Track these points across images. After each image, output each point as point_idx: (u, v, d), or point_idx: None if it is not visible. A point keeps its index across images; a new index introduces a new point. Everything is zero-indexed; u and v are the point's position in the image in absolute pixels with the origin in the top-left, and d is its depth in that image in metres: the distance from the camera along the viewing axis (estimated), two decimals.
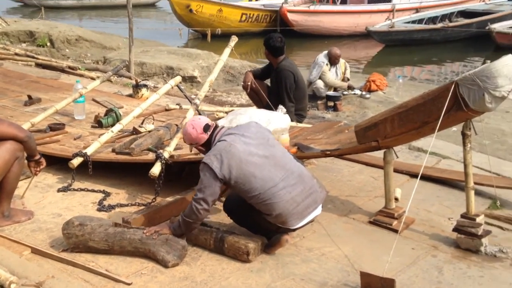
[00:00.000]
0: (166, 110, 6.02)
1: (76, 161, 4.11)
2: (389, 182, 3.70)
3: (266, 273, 3.11)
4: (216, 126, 3.37)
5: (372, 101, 8.29)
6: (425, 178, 4.34)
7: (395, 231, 3.48)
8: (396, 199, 3.92)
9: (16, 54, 9.76)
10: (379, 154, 3.98)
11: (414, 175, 4.44)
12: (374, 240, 3.55)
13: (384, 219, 3.71)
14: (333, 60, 8.35)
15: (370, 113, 7.19)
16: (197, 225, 3.24)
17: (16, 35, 12.71)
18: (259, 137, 3.24)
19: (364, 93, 8.57)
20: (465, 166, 3.47)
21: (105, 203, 3.92)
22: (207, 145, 3.30)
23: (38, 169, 3.62)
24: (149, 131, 4.77)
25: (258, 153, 3.15)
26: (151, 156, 4.22)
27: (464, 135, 3.42)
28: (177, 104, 6.21)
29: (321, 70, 8.25)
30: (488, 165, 4.46)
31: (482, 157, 5.03)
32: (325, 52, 8.48)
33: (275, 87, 5.72)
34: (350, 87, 8.57)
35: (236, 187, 3.14)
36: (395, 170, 4.00)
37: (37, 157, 3.57)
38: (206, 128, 3.29)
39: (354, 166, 4.85)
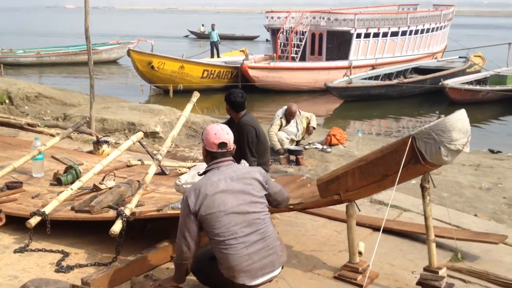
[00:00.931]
0: (128, 166, 5.96)
1: (34, 221, 3.99)
2: (353, 236, 3.72)
3: None
4: (226, 153, 3.25)
5: (333, 155, 8.43)
6: (388, 231, 4.39)
7: (360, 286, 3.47)
8: (360, 253, 3.93)
9: None
10: (342, 207, 4.01)
11: (376, 229, 4.49)
12: None
13: (349, 274, 3.70)
14: (288, 116, 8.52)
15: (332, 167, 7.29)
16: (187, 265, 3.18)
17: None
18: (243, 189, 3.17)
19: (325, 147, 8.72)
20: (426, 219, 3.53)
21: (64, 263, 3.79)
22: (204, 156, 3.31)
23: None
24: (110, 188, 4.69)
25: (233, 204, 3.11)
26: (112, 213, 4.13)
27: (423, 188, 3.50)
28: (138, 160, 6.16)
29: (275, 123, 8.43)
30: (447, 217, 4.55)
31: (441, 209, 5.13)
32: (285, 107, 8.65)
33: (236, 142, 5.71)
34: (309, 131, 8.74)
35: (204, 225, 3.11)
36: (358, 224, 4.03)
37: None
38: (221, 145, 3.22)
39: (318, 220, 4.87)
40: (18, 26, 62.91)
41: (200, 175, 3.30)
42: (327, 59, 20.81)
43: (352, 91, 17.43)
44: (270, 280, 3.23)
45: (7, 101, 12.19)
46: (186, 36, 51.70)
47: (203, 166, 4.44)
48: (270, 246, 3.17)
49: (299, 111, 8.66)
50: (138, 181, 4.69)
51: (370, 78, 18.88)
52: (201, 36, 46.83)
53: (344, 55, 20.57)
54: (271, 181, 3.39)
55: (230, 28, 52.16)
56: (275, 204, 3.44)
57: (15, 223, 4.23)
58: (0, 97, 12.19)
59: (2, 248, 4.02)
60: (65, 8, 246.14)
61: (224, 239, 3.06)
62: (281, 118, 8.51)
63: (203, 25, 48.94)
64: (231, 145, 3.28)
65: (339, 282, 3.69)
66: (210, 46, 25.39)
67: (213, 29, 25.37)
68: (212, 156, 3.24)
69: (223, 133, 3.24)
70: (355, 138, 9.38)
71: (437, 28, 24.91)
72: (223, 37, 30.64)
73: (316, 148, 8.72)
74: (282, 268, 3.31)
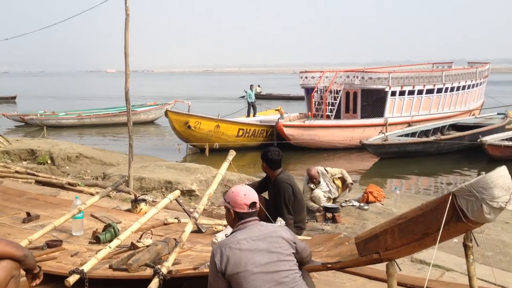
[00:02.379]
0: (165, 224, 6.00)
1: (73, 279, 4.02)
2: None
3: None
4: (254, 213, 3.27)
5: (370, 213, 8.29)
6: None
7: None
8: None
9: (17, 172, 9.89)
10: (382, 266, 3.91)
11: None
12: None
13: None
14: (311, 180, 8.45)
15: (370, 225, 7.17)
16: None
17: (18, 153, 12.98)
18: (270, 247, 3.14)
19: (362, 204, 8.59)
20: (470, 279, 3.41)
21: None
22: (231, 219, 3.27)
23: (35, 282, 3.52)
24: (147, 246, 4.71)
25: (261, 262, 3.08)
26: (149, 271, 4.13)
27: (466, 247, 3.40)
28: (175, 218, 6.20)
29: (305, 190, 8.31)
30: (492, 277, 4.38)
31: (486, 269, 4.94)
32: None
33: (273, 200, 5.75)
34: (349, 188, 8.62)
35: (231, 283, 3.07)
36: (399, 284, 3.91)
37: (36, 270, 3.49)
38: (252, 205, 3.23)
39: (357, 280, 4.75)
40: (61, 90, 65.57)
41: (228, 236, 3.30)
42: (362, 117, 20.85)
43: (388, 148, 17.32)
44: None
45: (49, 161, 12.56)
46: (242, 97, 52.63)
47: None
48: None
49: (325, 169, 8.60)
50: (175, 239, 4.71)
51: (406, 135, 18.75)
52: (257, 96, 47.73)
53: (379, 113, 20.58)
54: (297, 240, 3.36)
55: (268, 88, 52.98)
56: (300, 262, 3.38)
57: (55, 281, 4.26)
58: (42, 157, 12.58)
59: None
60: (106, 72, 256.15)
61: None
62: (308, 183, 8.47)
63: (259, 85, 49.85)
64: (258, 204, 3.31)
65: None
66: (247, 105, 25.98)
67: (251, 89, 26.11)
68: (240, 217, 3.24)
69: (252, 193, 3.28)
70: (392, 195, 9.21)
71: (473, 85, 24.79)
72: (260, 97, 31.24)
73: (353, 205, 8.60)
74: None
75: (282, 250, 3.18)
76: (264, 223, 3.33)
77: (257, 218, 3.28)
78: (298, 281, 3.18)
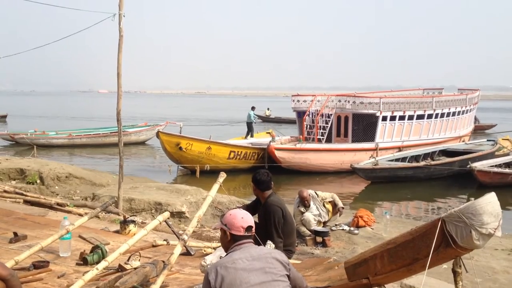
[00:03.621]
0: (153, 246, 5.95)
1: None
2: None
3: None
4: (250, 237, 3.32)
5: (360, 237, 8.28)
6: None
7: None
8: None
9: (5, 191, 9.80)
10: None
11: None
12: None
13: None
14: (303, 202, 8.45)
15: (360, 249, 7.15)
16: None
17: (7, 172, 12.88)
18: (264, 268, 3.16)
19: (352, 228, 8.59)
20: None
21: None
22: (227, 241, 3.30)
23: None
24: (135, 268, 4.66)
25: (255, 281, 3.09)
26: None
27: (455, 273, 3.39)
28: (164, 240, 6.15)
29: (296, 213, 8.30)
30: None
31: None
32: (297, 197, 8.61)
33: (263, 222, 5.73)
34: (340, 212, 8.62)
35: None
36: None
37: None
38: (248, 229, 3.30)
39: None
40: (52, 110, 65.43)
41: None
42: (353, 141, 20.94)
43: (379, 172, 17.36)
44: None
45: (38, 181, 12.47)
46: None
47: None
48: None
49: (316, 193, 8.61)
50: (163, 262, 4.67)
51: (397, 160, 18.82)
52: (265, 119, 47.81)
53: (370, 137, 20.69)
54: (292, 266, 3.36)
55: (259, 110, 53.07)
56: None
57: None
58: (32, 177, 12.49)
59: None
60: (99, 92, 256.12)
61: None
62: (298, 207, 8.47)
63: (268, 108, 49.96)
64: (253, 227, 3.35)
65: None
66: (246, 126, 26.67)
67: (252, 110, 26.73)
68: (235, 239, 3.28)
69: (249, 217, 3.34)
70: (382, 220, 9.22)
71: (463, 111, 25.04)
72: (269, 120, 31.16)
73: (343, 229, 8.60)
74: None
75: (276, 271, 3.19)
76: (257, 246, 3.34)
77: (252, 240, 3.32)
78: None
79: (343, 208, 8.75)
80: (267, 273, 3.15)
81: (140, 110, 63.94)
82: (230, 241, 3.30)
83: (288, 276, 3.26)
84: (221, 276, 3.07)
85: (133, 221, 7.06)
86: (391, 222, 9.31)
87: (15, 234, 6.07)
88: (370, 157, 18.28)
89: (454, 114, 24.06)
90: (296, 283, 3.37)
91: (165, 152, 19.58)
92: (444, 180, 17.91)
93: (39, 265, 5.00)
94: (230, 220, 3.31)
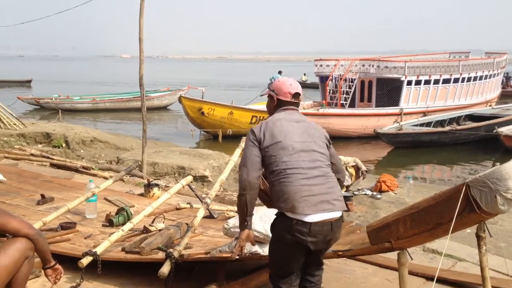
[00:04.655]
0: (177, 209, 6.04)
1: (86, 260, 4.07)
2: (405, 285, 3.59)
3: None
4: (296, 104, 3.38)
5: (383, 202, 8.26)
6: (442, 281, 4.23)
7: None
8: None
9: (32, 154, 10.00)
10: (393, 255, 3.90)
11: (430, 278, 4.33)
12: None
13: None
14: None
15: (382, 214, 7.14)
16: (246, 197, 3.11)
17: (33, 136, 13.09)
18: (308, 132, 3.25)
19: (375, 193, 8.57)
20: (482, 269, 3.39)
21: None
22: (273, 106, 3.38)
23: (58, 277, 3.50)
24: (160, 230, 4.75)
25: (298, 140, 3.17)
26: (161, 255, 4.17)
27: (478, 237, 3.37)
28: (187, 203, 6.23)
29: None
30: (505, 268, 4.35)
31: (498, 259, 4.91)
32: None
33: None
34: (363, 175, 8.61)
35: (266, 157, 3.14)
36: (410, 273, 3.90)
37: (52, 263, 3.47)
38: (295, 95, 3.35)
39: (368, 268, 4.75)
40: (75, 75, 65.87)
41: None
42: (377, 106, 20.71)
43: (403, 137, 17.20)
44: (330, 221, 3.06)
45: (64, 145, 12.66)
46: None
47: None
48: (330, 185, 3.14)
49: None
50: (187, 224, 4.74)
51: (421, 125, 18.60)
52: (303, 85, 47.46)
53: (395, 102, 20.43)
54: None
55: (288, 76, 52.67)
56: (332, 170, 3.35)
57: (68, 262, 4.32)
58: (57, 141, 12.68)
59: (54, 287, 4.10)
60: (121, 57, 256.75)
61: (286, 168, 3.07)
62: None
63: (305, 74, 49.47)
64: (300, 94, 3.39)
65: None
66: None
67: (279, 74, 26.30)
68: (281, 104, 3.35)
69: (297, 84, 3.41)
70: (406, 185, 9.16)
71: (490, 75, 24.48)
72: (305, 86, 31.25)
73: (365, 194, 8.58)
74: (342, 216, 3.18)
75: (318, 135, 3.30)
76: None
77: (297, 109, 3.40)
78: (329, 169, 3.23)
79: (366, 171, 8.71)
80: (310, 135, 3.25)
81: (162, 75, 63.98)
82: (276, 106, 3.38)
83: (328, 147, 3.33)
84: (266, 129, 3.18)
85: (157, 185, 7.16)
86: (414, 187, 9.25)
87: (43, 196, 6.21)
88: (394, 122, 18.08)
89: (481, 78, 23.55)
90: (334, 159, 3.40)
91: (188, 117, 19.65)
92: (470, 145, 17.66)
93: (67, 226, 5.12)
94: (278, 86, 3.38)
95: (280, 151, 3.11)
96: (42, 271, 3.59)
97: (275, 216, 3.17)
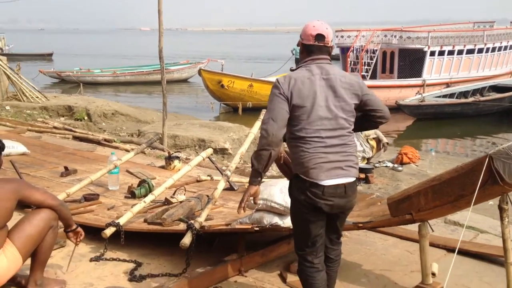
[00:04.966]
0: (198, 181, 6.08)
1: (109, 231, 4.14)
2: (425, 257, 3.60)
3: None
4: (323, 49, 3.07)
5: (404, 174, 8.22)
6: (463, 253, 4.22)
7: None
8: (433, 274, 3.79)
9: (55, 127, 10.14)
10: (414, 227, 3.89)
11: (451, 250, 4.32)
12: None
13: None
14: None
15: (403, 186, 7.11)
16: (268, 153, 2.94)
17: (55, 109, 13.24)
18: (336, 91, 3.01)
19: (396, 165, 8.52)
20: (504, 241, 3.37)
21: (136, 273, 3.90)
22: (301, 53, 3.12)
23: (78, 239, 3.64)
24: (181, 202, 4.79)
25: (323, 104, 2.98)
26: (182, 226, 4.22)
27: (501, 209, 3.34)
28: (208, 176, 6.27)
29: None
30: None
31: None
32: None
33: None
34: (385, 147, 8.57)
35: (292, 112, 2.96)
36: (431, 244, 3.89)
37: (74, 227, 3.60)
38: (318, 37, 3.04)
39: (388, 239, 4.75)
40: (96, 48, 66.10)
41: (292, 70, 3.11)
42: (399, 77, 20.43)
43: (425, 109, 16.98)
44: (344, 184, 2.99)
45: (86, 117, 12.80)
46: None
47: (271, 182, 4.46)
48: (348, 153, 3.03)
49: None
50: (208, 196, 4.77)
51: (444, 96, 18.31)
52: None
53: (417, 73, 20.11)
54: (369, 91, 3.20)
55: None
56: (376, 116, 3.22)
57: (92, 233, 4.41)
58: (79, 114, 12.82)
59: (78, 257, 4.19)
60: (141, 30, 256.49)
61: (306, 135, 2.96)
62: None
63: None
64: (330, 41, 3.08)
65: None
66: (295, 62, 25.96)
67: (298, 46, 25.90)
68: (307, 50, 3.08)
69: (323, 27, 3.06)
70: (428, 157, 9.10)
71: None
72: None
73: (386, 166, 8.53)
74: (356, 182, 3.10)
75: (348, 94, 3.04)
76: (334, 66, 3.13)
77: (328, 57, 3.09)
78: (351, 135, 3.09)
79: (387, 143, 8.64)
80: (337, 96, 3.01)
81: (182, 47, 63.86)
82: (303, 53, 3.12)
83: (360, 104, 3.11)
84: (292, 86, 2.95)
85: (177, 157, 7.21)
86: (436, 159, 9.19)
87: (66, 168, 6.30)
88: (417, 93, 17.85)
89: (506, 48, 23.02)
90: (373, 106, 3.19)
91: (207, 89, 19.63)
92: (493, 117, 17.38)
93: (90, 198, 5.20)
94: (303, 29, 3.11)
95: (303, 116, 2.96)
96: (67, 241, 3.68)
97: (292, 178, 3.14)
